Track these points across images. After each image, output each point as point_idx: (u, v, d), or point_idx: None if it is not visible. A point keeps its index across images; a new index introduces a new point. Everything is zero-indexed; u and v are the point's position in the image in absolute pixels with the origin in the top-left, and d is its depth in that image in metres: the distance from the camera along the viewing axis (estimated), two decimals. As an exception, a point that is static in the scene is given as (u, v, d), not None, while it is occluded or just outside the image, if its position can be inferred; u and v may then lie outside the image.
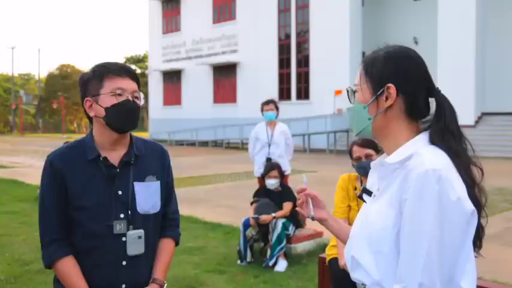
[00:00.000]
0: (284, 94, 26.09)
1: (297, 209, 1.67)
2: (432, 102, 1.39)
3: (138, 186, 1.89)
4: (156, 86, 33.31)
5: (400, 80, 1.35)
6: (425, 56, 1.45)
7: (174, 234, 2.06)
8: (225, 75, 29.22)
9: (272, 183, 5.32)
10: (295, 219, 5.42)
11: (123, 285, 1.85)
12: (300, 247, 5.47)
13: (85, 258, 1.83)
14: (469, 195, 1.26)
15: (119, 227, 1.84)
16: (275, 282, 4.66)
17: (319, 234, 5.71)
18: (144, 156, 1.96)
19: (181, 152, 21.55)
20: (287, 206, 5.29)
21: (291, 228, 5.30)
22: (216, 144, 27.45)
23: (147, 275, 1.93)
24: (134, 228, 1.86)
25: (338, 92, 22.39)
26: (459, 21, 19.78)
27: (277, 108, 6.50)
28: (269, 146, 6.52)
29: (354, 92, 1.45)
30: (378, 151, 3.36)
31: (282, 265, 5.05)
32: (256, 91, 24.36)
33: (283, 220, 5.18)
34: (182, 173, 12.70)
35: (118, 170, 1.87)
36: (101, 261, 1.83)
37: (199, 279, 4.69)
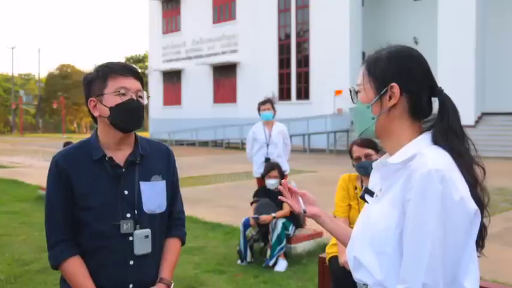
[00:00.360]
0: (284, 94, 26.09)
1: (281, 199, 1.69)
2: (435, 101, 1.39)
3: (144, 186, 1.90)
4: (156, 86, 33.31)
5: (404, 80, 1.35)
6: (425, 56, 1.45)
7: (180, 234, 2.07)
8: (225, 75, 29.22)
9: (272, 183, 5.32)
10: (295, 219, 5.42)
11: (131, 285, 1.85)
12: (300, 247, 5.47)
13: (92, 258, 1.84)
14: (471, 195, 1.26)
15: (125, 226, 1.84)
16: (275, 282, 4.66)
17: (319, 234, 5.71)
18: (150, 156, 1.96)
19: (181, 152, 21.52)
20: (287, 206, 5.29)
21: (291, 228, 5.30)
22: (216, 144, 27.45)
23: (154, 275, 1.93)
24: (141, 228, 1.87)
25: (338, 92, 22.39)
26: (459, 21, 19.78)
27: (273, 107, 6.49)
28: (267, 146, 6.51)
29: (357, 92, 1.44)
30: (378, 151, 3.37)
31: (282, 265, 5.05)
32: (256, 91, 24.32)
33: (283, 220, 5.18)
34: (182, 173, 12.63)
35: (124, 169, 1.88)
36: (108, 261, 1.83)
37: (199, 279, 4.69)
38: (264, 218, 5.12)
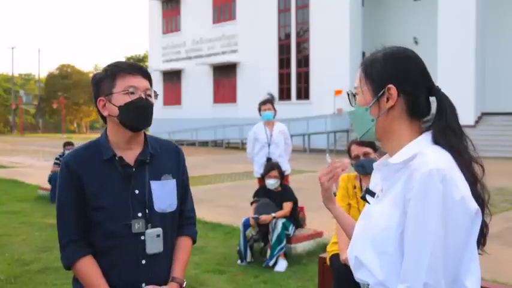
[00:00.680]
0: (284, 94, 26.09)
1: (323, 179, 1.62)
2: (433, 101, 1.40)
3: (154, 185, 1.90)
4: (156, 86, 33.07)
5: (400, 81, 1.35)
6: (425, 56, 1.46)
7: (191, 232, 2.07)
8: (225, 75, 29.22)
9: (272, 183, 5.32)
10: (295, 219, 5.43)
11: (143, 284, 1.85)
12: (300, 247, 5.47)
13: (104, 258, 1.84)
14: (472, 193, 1.27)
15: (137, 225, 1.84)
16: (275, 282, 4.66)
17: (319, 234, 5.71)
18: (159, 155, 1.96)
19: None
20: (287, 206, 5.29)
21: (291, 228, 5.30)
22: (216, 144, 27.46)
23: (166, 274, 1.93)
24: (152, 227, 1.87)
25: (338, 92, 22.38)
26: (459, 21, 19.78)
27: (274, 107, 6.49)
28: (269, 146, 6.51)
29: (355, 95, 1.45)
30: (376, 150, 3.39)
31: (282, 265, 5.05)
32: (256, 91, 24.32)
33: (283, 220, 5.18)
34: (182, 173, 12.65)
35: (134, 169, 1.88)
36: (120, 260, 1.83)
37: (199, 279, 4.69)
38: (264, 218, 5.12)
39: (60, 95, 56.27)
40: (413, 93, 1.36)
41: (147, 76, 1.90)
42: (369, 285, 1.37)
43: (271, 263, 5.06)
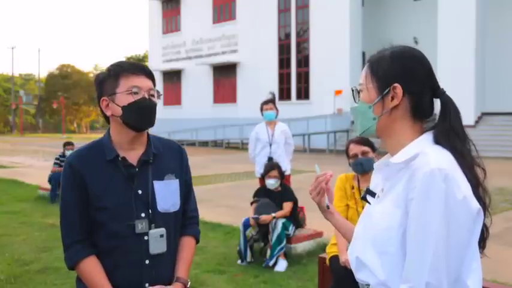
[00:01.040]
0: (284, 94, 26.08)
1: (313, 194, 1.63)
2: (436, 102, 1.39)
3: (157, 185, 1.90)
4: (156, 86, 33.27)
5: (406, 80, 1.35)
6: (425, 56, 1.45)
7: (195, 232, 2.07)
8: (225, 75, 29.22)
9: (272, 183, 5.32)
10: (295, 219, 5.42)
11: (146, 284, 1.85)
12: (300, 247, 5.47)
13: (108, 258, 1.84)
14: (474, 195, 1.27)
15: (140, 226, 1.84)
16: (275, 282, 4.66)
17: (319, 234, 5.71)
18: (162, 155, 1.96)
19: (181, 152, 21.48)
20: (287, 206, 5.29)
21: (291, 228, 5.30)
22: (216, 144, 27.45)
23: (170, 274, 1.93)
24: (156, 227, 1.86)
25: (338, 92, 22.38)
26: (459, 21, 19.78)
27: (276, 107, 6.49)
28: (270, 145, 6.51)
29: (359, 91, 1.44)
30: (374, 149, 3.38)
31: (282, 265, 5.05)
32: (256, 91, 24.33)
33: (283, 220, 5.18)
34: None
35: (137, 169, 1.88)
36: (124, 260, 1.83)
37: (199, 279, 4.69)
38: (264, 218, 5.12)
39: (60, 95, 56.27)
40: (418, 93, 1.36)
41: (150, 76, 1.90)
42: (368, 285, 1.37)
43: (271, 263, 5.06)
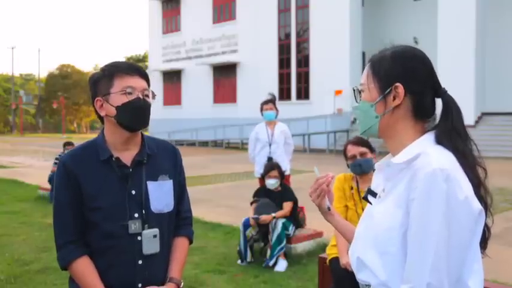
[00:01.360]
0: (284, 94, 26.08)
1: (313, 196, 1.63)
2: (438, 102, 1.39)
3: (151, 186, 1.90)
4: (156, 86, 33.27)
5: (408, 80, 1.35)
6: (425, 56, 1.45)
7: (188, 233, 2.07)
8: (225, 75, 29.22)
9: (272, 183, 5.32)
10: (295, 219, 5.42)
11: (139, 284, 1.85)
12: (300, 247, 5.46)
13: (101, 259, 1.84)
14: (475, 195, 1.26)
15: (133, 226, 1.84)
16: (275, 282, 4.66)
17: (319, 234, 5.71)
18: (156, 155, 1.96)
19: (182, 152, 21.42)
20: (287, 206, 5.29)
21: (291, 228, 5.30)
22: (216, 144, 27.45)
23: (163, 274, 1.93)
24: (149, 228, 1.87)
25: (338, 92, 22.38)
26: (459, 21, 19.78)
27: (276, 107, 6.49)
28: (270, 145, 6.51)
29: (360, 91, 1.44)
30: (373, 150, 3.37)
31: (282, 265, 5.05)
32: (256, 91, 24.34)
33: (283, 220, 5.18)
34: (182, 173, 12.66)
35: (131, 169, 1.88)
36: (117, 261, 1.83)
37: (199, 279, 4.69)
38: (264, 218, 5.12)
39: (60, 95, 56.28)
40: (419, 93, 1.35)
41: (144, 76, 1.90)
42: (369, 286, 1.37)
43: (271, 263, 5.06)
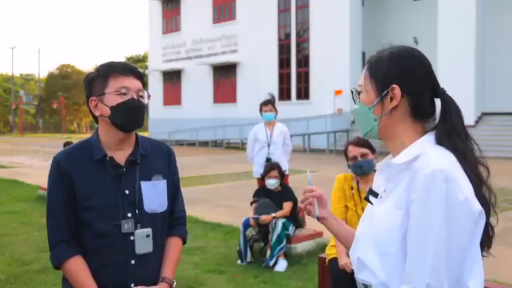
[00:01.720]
0: (284, 94, 26.09)
1: (301, 207, 1.67)
2: (437, 102, 1.39)
3: (144, 186, 1.90)
4: (156, 86, 33.32)
5: (405, 81, 1.34)
6: (425, 56, 1.45)
7: (182, 233, 2.07)
8: (225, 75, 29.22)
9: (272, 183, 5.32)
10: (295, 219, 5.42)
11: (132, 284, 1.85)
12: (300, 247, 5.47)
13: (94, 258, 1.84)
14: (477, 195, 1.26)
15: (126, 226, 1.84)
16: (275, 282, 4.66)
17: (319, 234, 5.71)
18: (150, 155, 1.96)
19: (181, 152, 21.51)
20: (287, 206, 5.29)
21: (291, 228, 5.30)
22: (216, 144, 27.45)
23: (156, 274, 1.93)
24: (142, 227, 1.87)
25: (338, 92, 22.38)
26: (459, 21, 19.78)
27: (275, 108, 6.49)
28: (268, 146, 6.50)
29: (359, 93, 1.44)
30: (374, 151, 3.37)
31: (282, 265, 5.05)
32: (256, 91, 24.34)
33: (283, 220, 5.18)
34: (182, 173, 12.49)
35: (124, 169, 1.88)
36: (110, 260, 1.83)
37: (199, 279, 4.69)
38: (264, 218, 5.12)
39: (60, 95, 56.30)
40: (417, 93, 1.35)
41: (139, 77, 1.90)
42: (368, 286, 1.37)
43: (271, 263, 5.06)
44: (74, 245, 1.84)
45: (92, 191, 1.83)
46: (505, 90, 21.40)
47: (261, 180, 5.90)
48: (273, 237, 5.07)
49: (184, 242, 2.08)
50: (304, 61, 25.46)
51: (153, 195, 1.91)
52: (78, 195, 1.82)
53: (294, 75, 25.81)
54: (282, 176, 5.52)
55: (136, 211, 1.87)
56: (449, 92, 1.40)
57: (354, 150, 3.35)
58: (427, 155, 1.27)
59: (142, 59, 55.55)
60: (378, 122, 1.38)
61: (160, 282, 1.92)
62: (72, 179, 1.83)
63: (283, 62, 26.29)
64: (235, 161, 16.98)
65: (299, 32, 25.70)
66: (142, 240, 1.86)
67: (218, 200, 9.29)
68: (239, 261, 5.21)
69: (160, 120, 32.51)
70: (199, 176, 12.86)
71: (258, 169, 6.50)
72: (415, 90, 1.35)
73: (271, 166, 5.47)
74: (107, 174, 1.85)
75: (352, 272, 1.46)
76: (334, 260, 3.35)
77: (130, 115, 1.84)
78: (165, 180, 1.96)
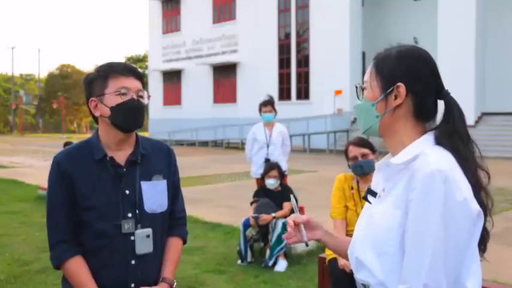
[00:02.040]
0: (284, 94, 26.08)
1: (284, 237, 1.62)
2: (440, 104, 1.39)
3: (145, 186, 1.90)
4: (156, 86, 33.32)
5: (411, 80, 1.34)
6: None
7: (182, 233, 2.07)
8: (225, 75, 29.22)
9: (272, 183, 5.32)
10: (295, 219, 5.41)
11: (132, 284, 1.85)
12: (300, 247, 5.46)
13: (94, 258, 1.84)
14: (476, 199, 1.26)
15: (127, 226, 1.84)
16: (275, 282, 4.66)
17: (319, 234, 5.70)
18: (151, 155, 1.96)
19: (181, 152, 21.50)
20: (287, 206, 5.29)
21: (291, 228, 5.29)
22: (216, 144, 27.45)
23: (156, 274, 1.93)
24: (142, 227, 1.87)
25: (338, 92, 22.39)
26: (459, 21, 19.78)
27: (274, 109, 6.48)
28: (267, 146, 6.50)
29: (363, 88, 1.44)
30: (374, 151, 3.37)
31: (282, 265, 5.05)
32: (256, 91, 24.32)
33: (283, 220, 5.18)
34: (182, 173, 12.41)
35: (125, 169, 1.88)
36: (110, 260, 1.83)
37: (199, 279, 4.69)
38: (264, 217, 5.12)
39: (60, 95, 56.30)
40: (422, 93, 1.35)
41: (139, 77, 1.90)
42: (366, 286, 1.37)
43: (271, 263, 5.06)
44: (74, 245, 1.84)
45: (92, 191, 1.83)
46: (505, 90, 21.40)
47: (260, 180, 5.90)
48: (273, 238, 5.07)
49: (184, 242, 2.08)
50: (304, 61, 25.46)
51: (153, 195, 1.91)
52: (78, 195, 1.82)
53: (294, 75, 25.81)
54: (282, 176, 5.52)
55: (137, 211, 1.87)
56: (449, 92, 1.40)
57: (354, 151, 3.35)
58: (426, 154, 1.27)
59: (142, 59, 55.54)
60: (379, 119, 1.38)
61: (161, 282, 1.92)
62: (72, 179, 1.83)
63: (283, 62, 26.29)
64: (235, 161, 16.98)
65: (299, 32, 25.70)
66: (143, 241, 1.86)
67: (218, 200, 9.29)
68: (239, 261, 5.21)
69: (160, 120, 32.51)
70: (199, 176, 12.86)
71: (256, 169, 6.50)
72: (420, 90, 1.35)
73: (271, 166, 5.47)
74: (107, 174, 1.85)
75: (352, 272, 1.46)
76: (334, 260, 3.35)
77: (130, 115, 1.84)
78: (165, 180, 1.96)
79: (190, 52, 31.21)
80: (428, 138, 1.35)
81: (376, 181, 1.48)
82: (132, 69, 1.90)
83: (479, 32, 20.17)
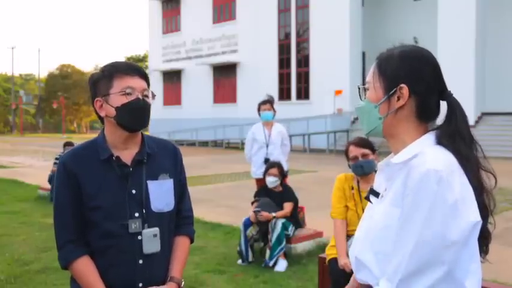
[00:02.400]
0: (284, 94, 26.08)
1: None
2: (443, 105, 1.38)
3: (151, 185, 1.90)
4: (156, 86, 33.29)
5: (414, 81, 1.34)
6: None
7: (189, 232, 2.07)
8: (225, 75, 29.22)
9: (272, 180, 5.32)
10: (295, 219, 5.42)
11: (140, 284, 1.85)
12: (300, 247, 5.46)
13: (101, 258, 1.84)
14: (477, 201, 1.26)
15: (134, 225, 1.84)
16: (275, 282, 4.66)
17: (319, 234, 5.71)
18: (157, 154, 1.96)
19: (182, 152, 21.45)
20: (287, 206, 5.29)
21: (291, 229, 5.30)
22: (216, 144, 27.45)
23: (164, 273, 1.93)
24: (149, 227, 1.86)
25: (338, 92, 22.37)
26: (459, 21, 19.77)
27: (273, 108, 6.47)
28: (267, 146, 6.49)
29: (366, 89, 1.43)
30: (375, 151, 3.37)
31: (282, 265, 5.05)
32: (256, 91, 24.31)
33: (283, 220, 5.18)
34: (182, 173, 12.64)
35: (131, 169, 1.88)
36: (117, 260, 1.83)
37: (199, 279, 4.69)
38: (265, 214, 5.11)
39: (60, 95, 56.29)
40: (424, 95, 1.35)
41: (144, 76, 1.89)
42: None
43: (270, 263, 5.06)
44: (82, 245, 1.84)
45: (98, 191, 1.83)
46: (505, 90, 21.39)
47: (260, 180, 5.89)
48: (273, 238, 5.07)
49: (191, 241, 2.08)
50: (304, 61, 25.46)
51: (160, 194, 1.91)
52: (84, 195, 1.82)
53: (294, 75, 25.80)
54: (283, 175, 5.51)
55: (144, 211, 1.86)
56: (452, 93, 1.40)
57: (355, 151, 3.35)
58: (424, 154, 1.27)
59: (143, 59, 55.54)
60: (382, 121, 1.38)
61: (169, 281, 1.92)
62: (78, 179, 1.83)
63: (283, 62, 26.28)
64: (235, 161, 16.98)
65: (299, 32, 25.70)
66: (150, 240, 1.86)
67: (218, 200, 9.29)
68: (239, 261, 5.21)
69: (160, 120, 32.47)
70: (199, 176, 12.86)
71: (256, 169, 6.50)
72: (422, 91, 1.34)
73: (271, 164, 5.48)
74: (113, 174, 1.85)
75: (352, 272, 1.46)
76: (334, 260, 3.35)
77: (136, 115, 1.84)
78: (171, 179, 1.96)
79: (190, 52, 31.20)
80: (429, 138, 1.35)
81: (379, 181, 1.48)
82: (137, 68, 1.90)
83: (479, 32, 20.16)
